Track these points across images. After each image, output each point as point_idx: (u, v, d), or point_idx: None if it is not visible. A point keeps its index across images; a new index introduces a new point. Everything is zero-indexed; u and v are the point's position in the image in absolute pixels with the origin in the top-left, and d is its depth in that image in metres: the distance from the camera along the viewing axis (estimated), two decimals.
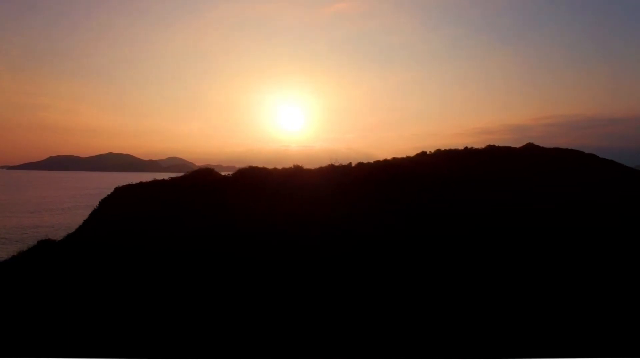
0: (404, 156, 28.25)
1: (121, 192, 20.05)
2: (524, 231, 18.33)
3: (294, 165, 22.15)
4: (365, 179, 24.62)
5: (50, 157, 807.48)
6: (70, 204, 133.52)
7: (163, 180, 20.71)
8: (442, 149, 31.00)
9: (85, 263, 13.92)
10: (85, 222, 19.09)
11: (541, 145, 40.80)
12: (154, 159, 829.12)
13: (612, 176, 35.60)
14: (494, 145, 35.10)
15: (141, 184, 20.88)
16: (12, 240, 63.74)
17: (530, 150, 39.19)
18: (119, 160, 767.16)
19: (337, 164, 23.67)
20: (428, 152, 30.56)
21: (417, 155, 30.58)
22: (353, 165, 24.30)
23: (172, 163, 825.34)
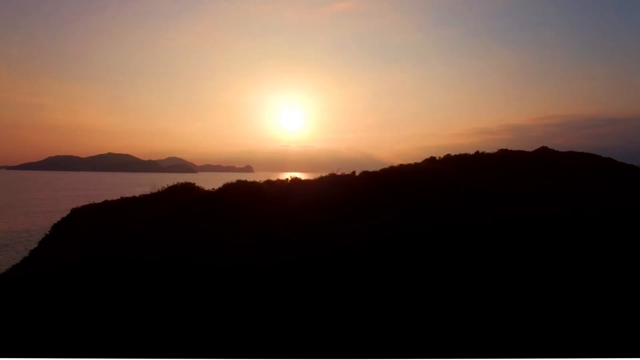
0: (412, 162, 26.13)
1: (80, 214, 17.60)
2: (536, 241, 16.90)
3: (290, 178, 19.87)
4: (370, 189, 22.49)
5: (50, 158, 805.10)
6: (66, 206, 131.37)
7: (133, 198, 18.36)
8: (452, 154, 28.89)
9: (24, 307, 11.69)
10: (32, 252, 16.66)
11: (553, 149, 38.98)
12: (153, 159, 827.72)
13: (633, 181, 33.63)
14: (506, 149, 33.07)
15: (106, 202, 18.51)
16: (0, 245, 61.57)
17: (544, 155, 37.31)
18: (119, 160, 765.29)
19: (339, 173, 21.48)
20: (437, 158, 28.47)
21: (426, 161, 28.54)
22: (357, 174, 22.10)
23: (172, 163, 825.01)
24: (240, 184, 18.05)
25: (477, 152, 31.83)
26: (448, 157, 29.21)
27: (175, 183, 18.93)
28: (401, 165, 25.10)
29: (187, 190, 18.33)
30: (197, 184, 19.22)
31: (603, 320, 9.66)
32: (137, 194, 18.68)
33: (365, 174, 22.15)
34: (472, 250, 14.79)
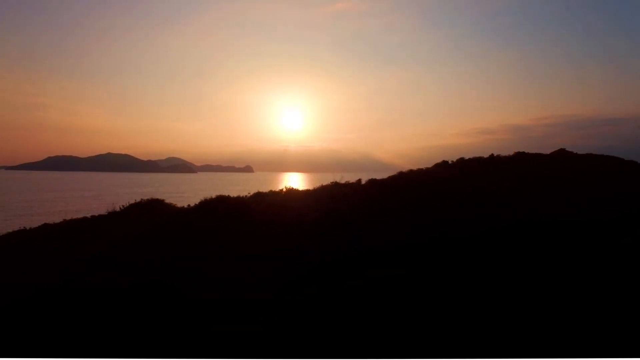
0: (423, 167, 23.59)
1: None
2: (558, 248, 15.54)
3: (285, 188, 17.09)
4: (374, 194, 19.89)
5: (49, 158, 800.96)
6: (60, 208, 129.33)
7: (83, 219, 15.48)
8: (466, 157, 26.42)
9: None
10: None
11: (572, 151, 36.81)
12: (153, 159, 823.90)
13: None
14: (523, 152, 30.74)
15: (45, 225, 15.57)
16: None
17: (562, 157, 35.02)
18: (118, 160, 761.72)
19: (342, 181, 18.74)
20: (450, 162, 25.93)
21: (437, 165, 26.02)
22: (363, 182, 19.39)
23: (172, 163, 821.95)
24: (221, 199, 15.13)
25: (492, 155, 29.51)
26: (462, 161, 26.65)
27: (140, 200, 16.01)
28: (411, 171, 22.58)
29: (155, 208, 15.40)
30: (167, 200, 16.41)
31: (603, 321, 9.52)
32: (88, 215, 15.88)
33: (373, 183, 19.45)
34: (472, 252, 14.30)
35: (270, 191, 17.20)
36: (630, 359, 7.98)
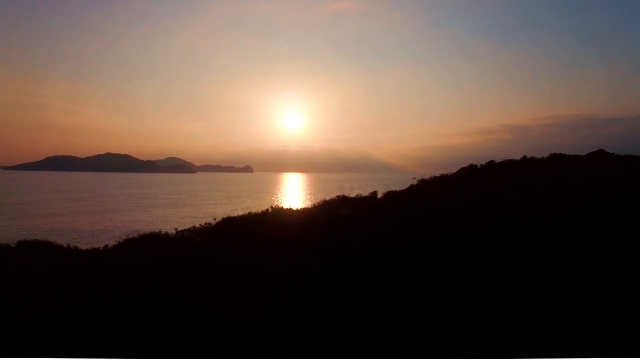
0: (447, 173, 19.43)
1: None
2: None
3: (270, 208, 12.46)
4: (387, 210, 15.93)
5: (48, 158, 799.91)
6: (55, 210, 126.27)
7: None
8: (497, 160, 22.28)
9: None
10: None
11: (612, 152, 32.78)
12: (152, 159, 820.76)
13: None
14: (560, 153, 26.62)
15: None
16: None
17: (601, 159, 30.91)
18: (117, 160, 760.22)
19: (352, 195, 14.15)
20: (479, 166, 21.74)
21: (462, 170, 21.95)
22: (379, 196, 14.96)
23: (171, 163, 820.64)
24: (151, 240, 10.26)
25: (525, 156, 25.42)
26: (491, 165, 22.47)
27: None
28: (435, 178, 18.46)
29: (42, 257, 10.14)
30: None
31: (604, 322, 9.38)
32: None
33: (392, 195, 15.03)
34: (473, 254, 14.25)
35: (250, 214, 12.21)
36: (630, 359, 7.95)
